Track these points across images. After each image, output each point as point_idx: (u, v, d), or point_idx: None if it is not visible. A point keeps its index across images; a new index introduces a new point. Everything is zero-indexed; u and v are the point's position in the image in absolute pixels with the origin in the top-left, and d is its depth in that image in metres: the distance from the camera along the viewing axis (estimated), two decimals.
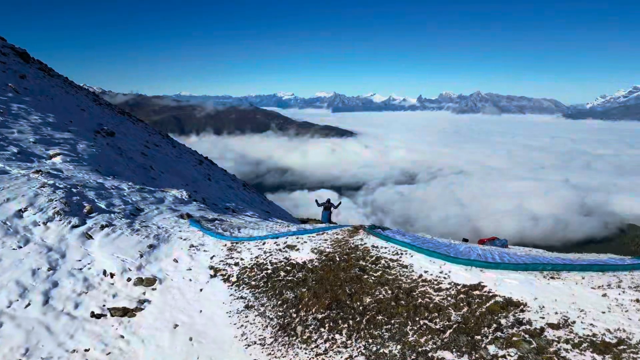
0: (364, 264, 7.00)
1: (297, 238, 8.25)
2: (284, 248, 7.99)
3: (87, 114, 20.17)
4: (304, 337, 6.06)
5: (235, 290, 7.34)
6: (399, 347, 5.38)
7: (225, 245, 8.58)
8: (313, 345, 5.91)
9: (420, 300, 5.98)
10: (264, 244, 8.33)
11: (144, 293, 7.28)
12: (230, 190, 21.42)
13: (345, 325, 6.05)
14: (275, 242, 8.21)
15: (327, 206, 10.62)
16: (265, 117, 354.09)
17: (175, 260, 8.12)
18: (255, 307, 6.88)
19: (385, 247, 7.30)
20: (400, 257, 6.94)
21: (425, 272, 6.48)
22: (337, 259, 7.25)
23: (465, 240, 8.85)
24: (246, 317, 6.74)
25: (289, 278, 7.21)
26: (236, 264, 7.93)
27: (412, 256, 6.90)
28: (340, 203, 11.18)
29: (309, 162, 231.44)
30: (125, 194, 10.56)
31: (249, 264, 7.83)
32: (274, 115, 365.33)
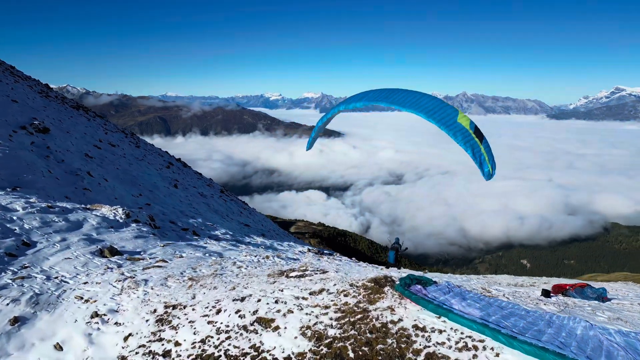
0: None
1: (276, 302, 4.73)
2: (251, 324, 4.49)
3: (20, 106, 16.17)
4: None
5: None
6: None
7: (155, 311, 5.04)
8: None
9: None
10: (218, 313, 4.81)
11: None
12: (201, 199, 17.74)
13: None
14: (238, 314, 4.68)
15: (395, 247, 10.43)
16: (252, 117, 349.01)
17: (59, 347, 4.56)
18: None
19: (440, 330, 3.92)
20: (475, 355, 3.58)
21: None
22: (351, 354, 3.83)
23: (547, 293, 5.55)
24: None
25: None
26: (166, 354, 4.43)
27: (497, 355, 3.55)
28: (407, 248, 11.20)
29: (297, 162, 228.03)
30: (14, 217, 6.88)
31: (189, 355, 4.34)
32: (262, 115, 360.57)
